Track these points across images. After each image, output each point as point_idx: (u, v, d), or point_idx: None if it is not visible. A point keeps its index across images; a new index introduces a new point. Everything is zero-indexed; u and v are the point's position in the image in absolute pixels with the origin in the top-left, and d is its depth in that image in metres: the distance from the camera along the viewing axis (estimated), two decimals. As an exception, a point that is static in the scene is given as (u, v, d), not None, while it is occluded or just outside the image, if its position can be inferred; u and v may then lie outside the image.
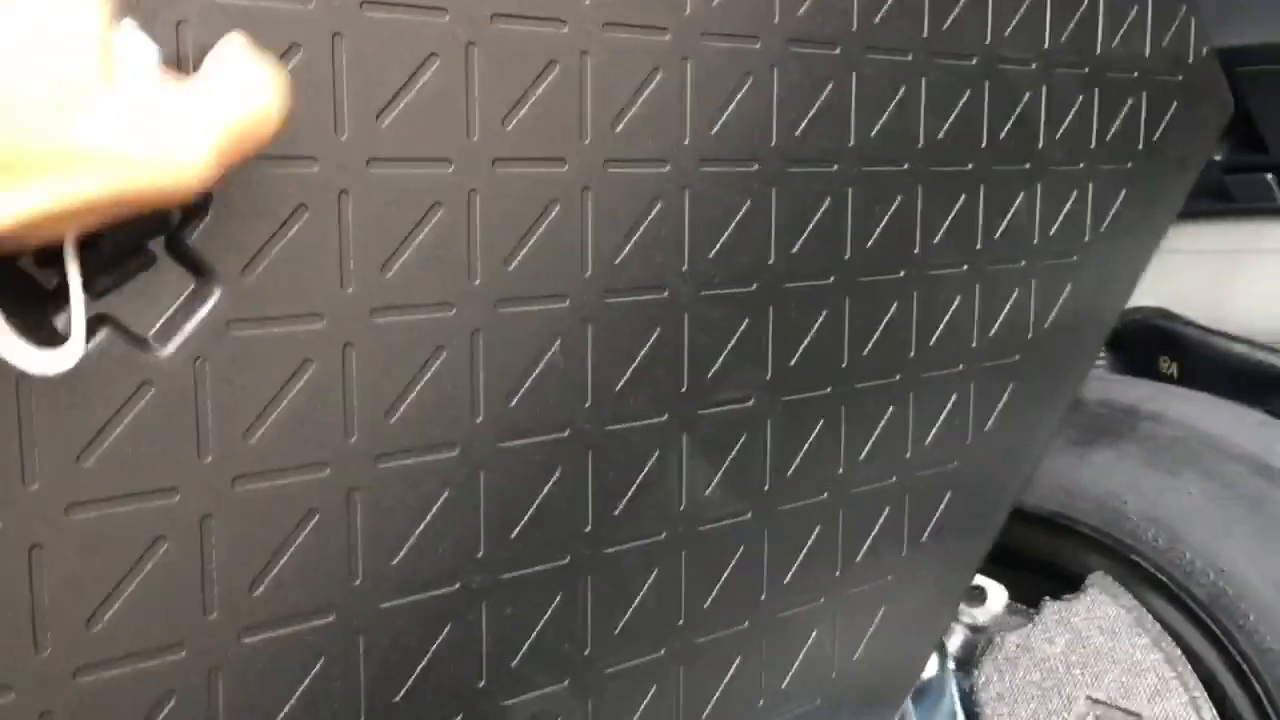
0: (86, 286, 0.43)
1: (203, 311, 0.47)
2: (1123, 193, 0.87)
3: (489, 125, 0.54)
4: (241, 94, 0.41)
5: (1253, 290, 1.01)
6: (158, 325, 0.47)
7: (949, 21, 0.72)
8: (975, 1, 0.73)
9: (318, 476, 0.51)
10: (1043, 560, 0.92)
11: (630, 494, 0.62)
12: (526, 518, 0.58)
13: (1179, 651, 0.81)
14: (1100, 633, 0.83)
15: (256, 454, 0.49)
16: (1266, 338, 0.98)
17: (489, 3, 0.53)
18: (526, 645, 0.59)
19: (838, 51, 0.67)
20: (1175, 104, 0.89)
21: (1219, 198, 1.04)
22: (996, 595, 0.89)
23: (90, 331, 0.45)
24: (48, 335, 0.43)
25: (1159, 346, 1.03)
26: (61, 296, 0.42)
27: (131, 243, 0.44)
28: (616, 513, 0.62)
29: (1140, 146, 0.87)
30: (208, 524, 0.48)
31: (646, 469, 0.63)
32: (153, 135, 0.38)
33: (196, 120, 0.39)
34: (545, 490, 0.59)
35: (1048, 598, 0.88)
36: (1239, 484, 0.84)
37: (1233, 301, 1.02)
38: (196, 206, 0.47)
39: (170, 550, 0.47)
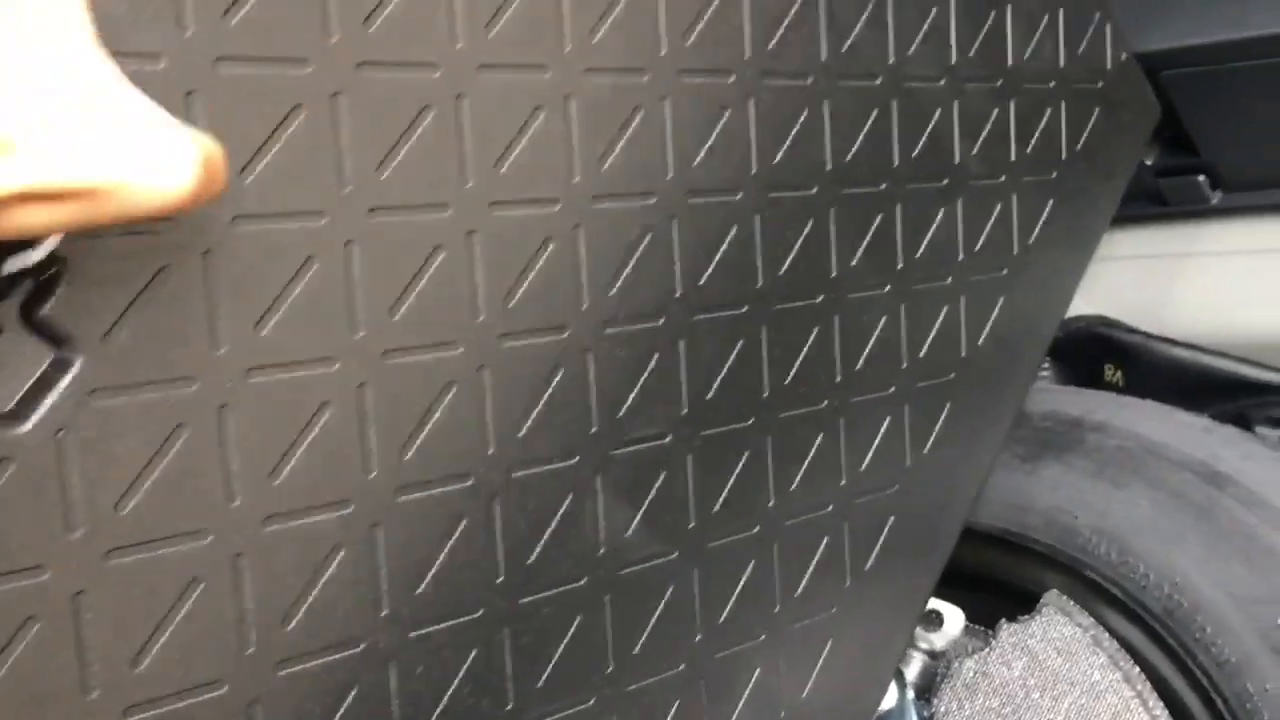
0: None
1: (63, 382, 0.46)
2: (1049, 203, 0.86)
3: (362, 176, 0.53)
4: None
5: (1191, 293, 1.00)
6: (15, 399, 0.45)
7: (848, 43, 0.72)
8: (874, 21, 0.73)
9: (197, 545, 0.49)
10: (998, 579, 0.90)
11: (544, 541, 0.61)
12: (433, 572, 0.57)
13: (1137, 669, 0.79)
14: (1057, 654, 0.81)
15: (129, 525, 0.47)
16: (1208, 341, 0.97)
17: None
18: (442, 705, 0.57)
19: (732, 80, 0.66)
20: (1097, 111, 0.89)
21: (1152, 201, 1.03)
22: (953, 619, 0.87)
23: (-57, 410, 0.44)
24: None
25: (1102, 354, 1.02)
26: None
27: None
28: (530, 561, 0.60)
29: (1064, 156, 0.87)
30: (79, 601, 0.46)
31: (559, 514, 0.61)
32: (143, 132, 0.38)
33: (183, 132, 0.39)
34: (451, 542, 0.57)
35: (1004, 620, 0.86)
36: (1187, 492, 0.82)
37: (1173, 305, 1.01)
38: (49, 276, 0.45)
39: (41, 632, 0.46)
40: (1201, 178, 1.00)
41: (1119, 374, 1.01)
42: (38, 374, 0.46)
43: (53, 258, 0.45)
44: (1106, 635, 0.81)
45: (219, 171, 0.42)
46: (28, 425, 0.45)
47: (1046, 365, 1.06)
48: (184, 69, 0.48)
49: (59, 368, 0.46)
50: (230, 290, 0.50)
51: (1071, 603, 0.83)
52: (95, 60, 0.38)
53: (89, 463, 0.46)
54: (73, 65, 0.37)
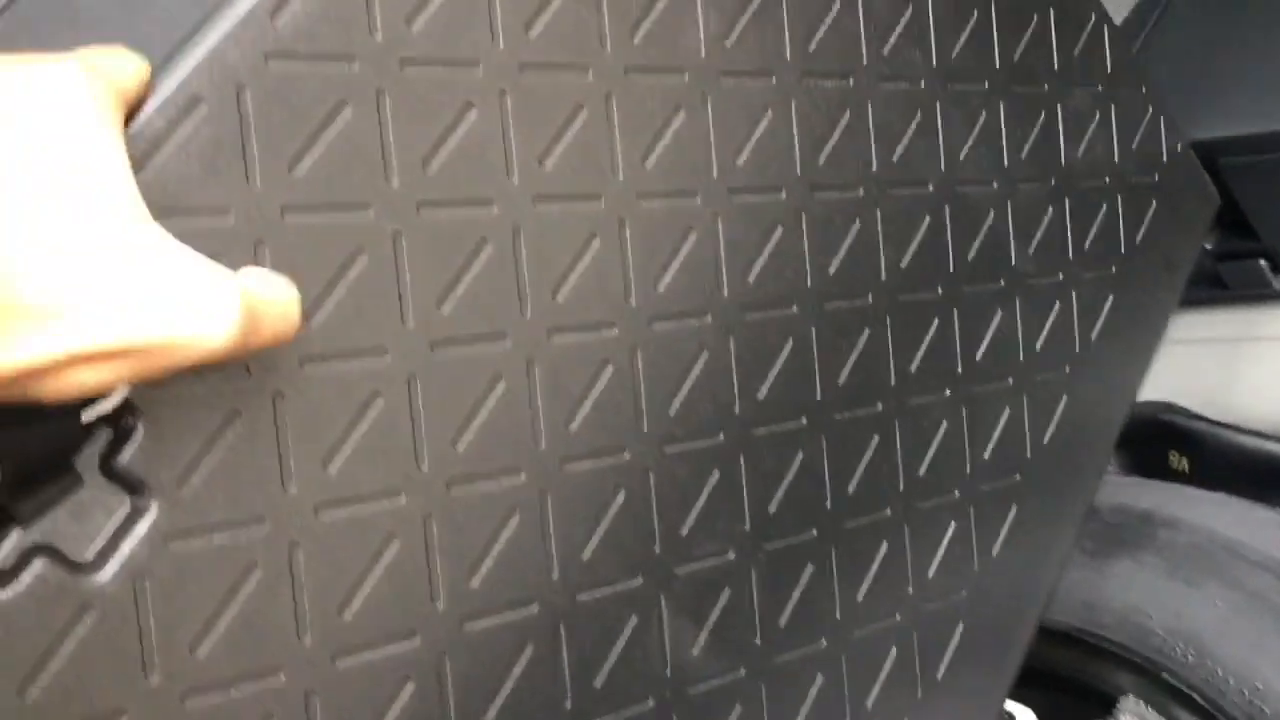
0: (12, 515, 0.44)
1: (140, 530, 0.47)
2: (1110, 298, 0.85)
3: (424, 312, 0.54)
4: (265, 279, 0.44)
5: (1255, 378, 0.99)
6: (95, 549, 0.47)
7: (899, 153, 0.72)
8: (924, 130, 0.74)
9: (270, 684, 0.50)
10: (1071, 679, 0.88)
11: (610, 663, 0.61)
12: (500, 700, 0.57)
13: (1218, 775, 0.77)
14: (1135, 759, 0.79)
15: (204, 668, 0.48)
16: (1273, 427, 0.95)
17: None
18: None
19: (784, 195, 0.67)
20: (1155, 204, 0.89)
21: (1213, 285, 1.02)
22: (1027, 722, 0.86)
23: (26, 561, 0.45)
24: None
25: (1168, 442, 1.00)
26: None
27: (48, 466, 0.45)
28: (598, 684, 0.60)
29: (1123, 250, 0.86)
30: (156, 745, 0.47)
31: (625, 635, 0.61)
32: (181, 303, 0.40)
33: (223, 282, 0.41)
34: (518, 669, 0.57)
35: (1081, 723, 0.84)
36: (1266, 594, 0.80)
37: (1236, 391, 0.99)
38: (125, 426, 0.47)
39: (119, 777, 0.46)
40: (1263, 262, 0.99)
41: (1184, 461, 0.99)
42: (116, 523, 0.47)
43: (128, 406, 0.47)
44: (1186, 741, 0.79)
45: (268, 315, 0.44)
46: (107, 574, 0.46)
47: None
48: (253, 221, 0.49)
49: (136, 515, 0.47)
50: (299, 430, 0.51)
51: (1148, 708, 0.81)
52: (135, 219, 0.40)
53: (165, 607, 0.47)
54: (113, 226, 0.39)
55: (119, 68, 0.45)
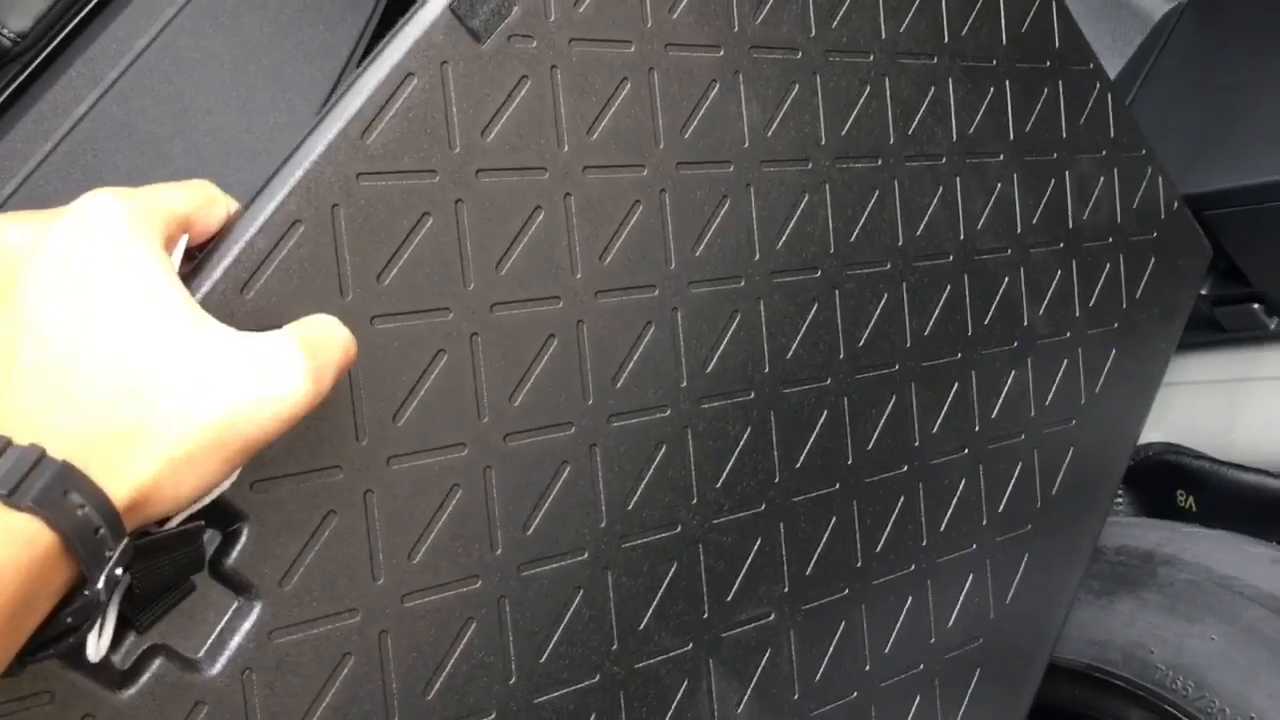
0: (132, 625, 0.47)
1: (246, 626, 0.50)
2: (1112, 352, 0.90)
3: (497, 407, 0.58)
4: (308, 322, 0.47)
5: (1255, 418, 1.03)
6: (206, 646, 0.50)
7: (921, 226, 0.76)
8: (945, 204, 0.77)
9: (366, 767, 0.53)
10: (1082, 714, 0.93)
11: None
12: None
13: (1221, 804, 0.82)
14: (1140, 792, 0.84)
15: (306, 753, 0.52)
16: (1272, 465, 1.00)
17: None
18: None
19: (819, 274, 0.71)
20: (1153, 259, 0.93)
21: (1212, 329, 1.07)
22: (1037, 755, 0.90)
23: (145, 662, 0.48)
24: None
25: (1173, 481, 1.05)
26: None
27: (167, 583, 0.48)
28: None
29: (1124, 306, 0.91)
30: (265, 828, 0.51)
31: (676, 700, 0.65)
32: (250, 373, 0.43)
33: (277, 338, 0.44)
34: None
35: (1087, 755, 0.89)
36: (1259, 627, 0.85)
37: (1237, 429, 1.04)
38: (231, 530, 0.50)
39: None
40: (1257, 306, 1.04)
41: (1190, 500, 1.04)
42: (224, 621, 0.50)
43: (235, 512, 0.50)
44: (1188, 772, 0.84)
45: (327, 347, 0.46)
46: (216, 669, 0.50)
47: (1121, 493, 1.10)
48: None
49: (242, 614, 0.50)
50: (387, 524, 0.54)
51: (1151, 740, 0.86)
52: (186, 320, 0.42)
53: (270, 699, 0.51)
54: (168, 332, 0.42)
55: (175, 197, 0.47)
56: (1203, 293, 1.05)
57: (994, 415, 0.81)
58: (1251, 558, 0.92)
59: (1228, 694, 0.85)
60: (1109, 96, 0.89)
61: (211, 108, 0.84)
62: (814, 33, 0.71)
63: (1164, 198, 0.94)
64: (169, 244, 0.46)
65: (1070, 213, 0.86)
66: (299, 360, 0.44)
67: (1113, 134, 0.89)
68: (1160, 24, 1.25)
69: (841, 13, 0.72)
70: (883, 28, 0.75)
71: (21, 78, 0.80)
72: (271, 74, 0.87)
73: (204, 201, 0.49)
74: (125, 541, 0.40)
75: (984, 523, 0.81)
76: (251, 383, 0.43)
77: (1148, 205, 0.92)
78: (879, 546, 0.75)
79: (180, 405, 0.41)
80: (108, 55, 0.81)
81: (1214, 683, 0.86)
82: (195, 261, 0.50)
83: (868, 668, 0.74)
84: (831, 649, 0.72)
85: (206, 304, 0.48)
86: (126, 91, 0.81)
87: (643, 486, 0.63)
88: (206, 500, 0.45)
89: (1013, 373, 0.82)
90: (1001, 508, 0.82)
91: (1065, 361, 0.86)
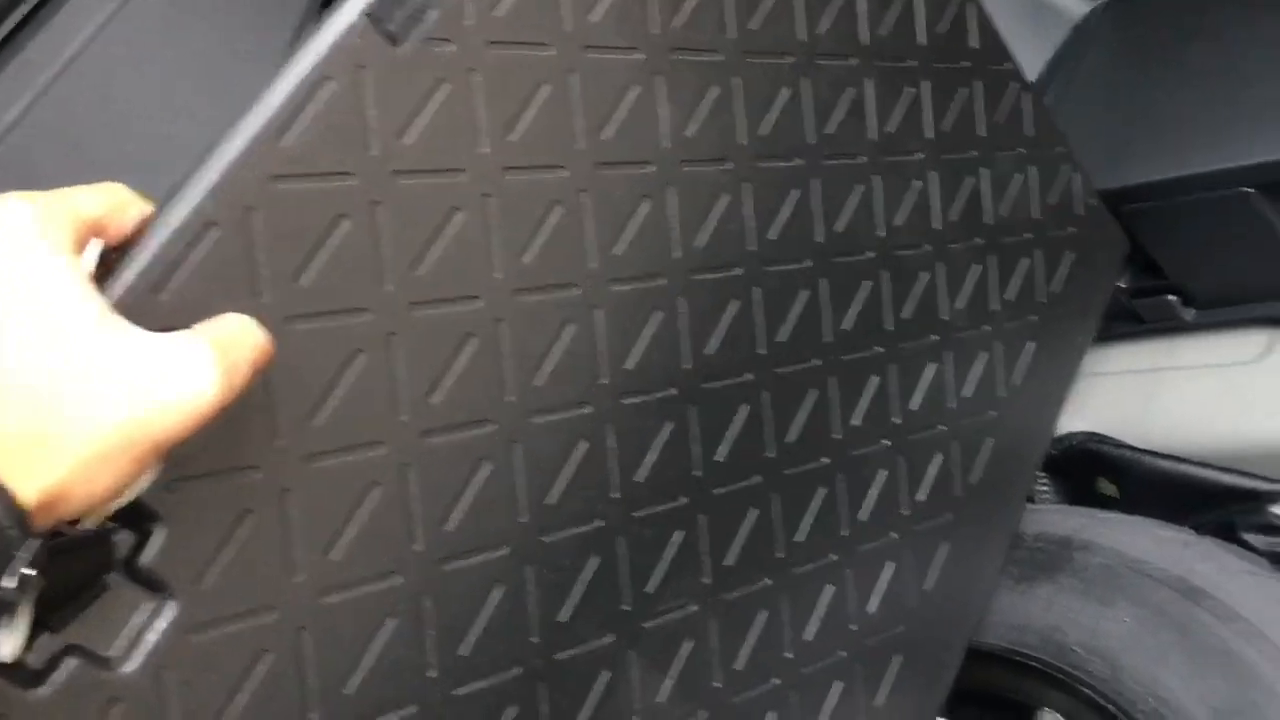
0: (46, 625, 0.47)
1: (162, 624, 0.51)
2: (1031, 346, 0.92)
3: (415, 405, 0.59)
4: (219, 322, 0.47)
5: (1174, 406, 1.06)
6: (122, 644, 0.50)
7: (841, 224, 0.78)
8: (864, 202, 0.79)
9: (283, 761, 0.54)
10: (1001, 696, 0.95)
11: (587, 717, 0.66)
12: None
13: (1129, 784, 0.84)
14: (1054, 770, 0.86)
15: (222, 750, 0.52)
16: (1195, 451, 1.03)
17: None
18: None
19: (740, 272, 0.72)
20: (1071, 254, 0.95)
21: (1131, 320, 1.10)
22: (956, 737, 0.92)
23: (59, 661, 0.49)
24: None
25: (1095, 469, 1.07)
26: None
27: (80, 583, 0.48)
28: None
29: (1043, 300, 0.93)
30: (182, 824, 0.51)
31: (601, 690, 0.66)
32: (159, 372, 0.43)
33: (188, 337, 0.45)
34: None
35: (1003, 734, 0.91)
36: (1168, 609, 0.87)
37: (1158, 418, 1.06)
38: (146, 529, 0.51)
39: None
40: (1173, 297, 1.07)
41: (1113, 487, 1.07)
42: (140, 620, 0.51)
43: (148, 512, 0.51)
44: (1096, 756, 0.86)
45: (238, 345, 0.46)
46: (131, 667, 0.50)
47: (1046, 482, 1.12)
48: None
49: (158, 612, 0.51)
50: (304, 522, 0.55)
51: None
52: (97, 324, 0.43)
53: (186, 696, 0.51)
54: (77, 336, 0.42)
55: (86, 200, 0.47)
56: (1121, 285, 1.07)
57: (914, 408, 0.83)
58: (1163, 541, 0.94)
59: (1139, 675, 0.88)
60: (1026, 95, 0.91)
61: (148, 113, 0.84)
62: (733, 35, 0.72)
63: (1081, 193, 0.96)
64: (79, 247, 0.46)
65: (988, 209, 0.88)
66: (209, 358, 0.45)
67: (1030, 132, 0.91)
68: (1081, 24, 1.27)
69: (759, 15, 0.73)
70: (801, 29, 0.76)
71: (-47, 84, 0.80)
72: (209, 78, 0.86)
73: (116, 204, 0.49)
74: (34, 541, 0.40)
75: (905, 513, 0.83)
76: (161, 381, 0.43)
77: (1065, 201, 0.95)
78: (800, 537, 0.76)
79: (87, 406, 0.41)
80: (40, 60, 0.81)
81: (1126, 664, 0.88)
82: (108, 264, 0.50)
83: (790, 655, 0.76)
84: (753, 638, 0.74)
85: (120, 307, 0.48)
86: (60, 97, 0.81)
87: (564, 482, 0.64)
88: (125, 499, 0.46)
89: (933, 366, 0.84)
90: (922, 498, 0.84)
91: (984, 354, 0.88)
